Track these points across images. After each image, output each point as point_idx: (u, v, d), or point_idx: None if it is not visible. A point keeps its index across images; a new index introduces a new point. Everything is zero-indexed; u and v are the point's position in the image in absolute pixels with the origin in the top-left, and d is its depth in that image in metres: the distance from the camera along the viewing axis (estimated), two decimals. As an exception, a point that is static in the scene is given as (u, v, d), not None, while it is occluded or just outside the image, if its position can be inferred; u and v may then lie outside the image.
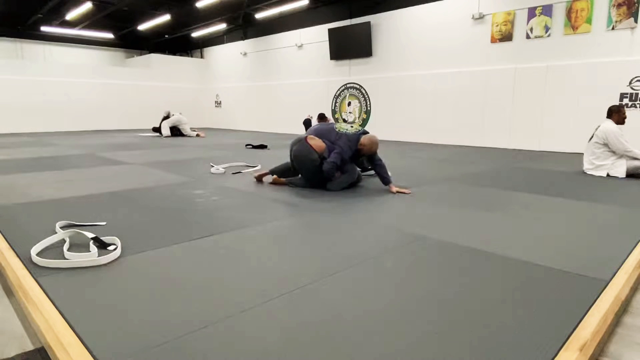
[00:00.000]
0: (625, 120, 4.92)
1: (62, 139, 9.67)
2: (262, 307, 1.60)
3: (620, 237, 2.54)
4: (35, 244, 2.21)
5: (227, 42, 14.78)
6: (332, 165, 3.78)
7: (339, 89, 11.21)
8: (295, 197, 3.64)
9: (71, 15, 11.70)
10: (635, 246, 2.35)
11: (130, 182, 4.30)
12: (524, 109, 7.88)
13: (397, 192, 3.82)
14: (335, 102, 11.37)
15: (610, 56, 6.89)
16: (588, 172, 5.00)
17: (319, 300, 1.66)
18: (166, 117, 11.19)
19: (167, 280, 1.85)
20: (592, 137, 5.01)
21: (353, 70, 10.86)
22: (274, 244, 2.38)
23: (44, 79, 12.67)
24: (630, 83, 6.67)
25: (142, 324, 1.47)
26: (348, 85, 10.96)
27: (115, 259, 2.09)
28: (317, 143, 3.84)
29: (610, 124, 4.85)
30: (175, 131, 11.06)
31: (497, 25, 8.09)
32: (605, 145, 4.81)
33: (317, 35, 11.50)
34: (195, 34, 14.65)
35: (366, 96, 10.59)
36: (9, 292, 1.87)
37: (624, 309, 1.73)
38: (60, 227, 2.60)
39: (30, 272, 1.91)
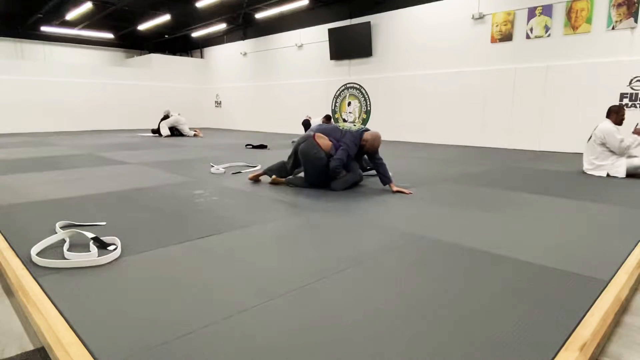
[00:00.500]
0: (624, 121, 4.92)
1: (62, 139, 9.66)
2: (262, 307, 1.60)
3: (621, 237, 2.54)
4: (35, 244, 2.21)
5: (227, 42, 14.78)
6: (340, 162, 3.81)
7: (339, 89, 11.22)
8: (295, 197, 3.64)
9: (71, 15, 11.70)
10: (635, 246, 2.35)
11: (130, 182, 4.30)
12: (524, 109, 7.88)
13: (398, 191, 3.82)
14: (335, 102, 11.37)
15: (610, 56, 6.89)
16: (588, 172, 5.00)
17: (319, 300, 1.66)
18: (165, 117, 11.21)
19: (167, 280, 1.85)
20: (590, 137, 5.02)
21: (353, 70, 10.86)
22: (274, 243, 2.38)
23: (44, 79, 12.67)
24: (630, 83, 6.67)
25: (142, 324, 1.47)
26: (348, 85, 10.96)
27: (115, 259, 2.09)
28: (324, 142, 3.87)
29: (608, 123, 4.86)
30: (175, 131, 11.09)
31: (497, 25, 8.09)
32: (603, 144, 4.82)
33: (317, 35, 11.50)
34: (195, 34, 14.65)
35: (366, 96, 10.60)
36: (9, 292, 1.87)
37: (624, 309, 1.73)
38: (60, 227, 2.60)
39: (30, 272, 1.91)
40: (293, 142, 9.20)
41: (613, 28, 6.82)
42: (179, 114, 11.37)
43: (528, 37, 7.73)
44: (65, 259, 2.06)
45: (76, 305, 1.60)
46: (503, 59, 8.10)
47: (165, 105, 13.91)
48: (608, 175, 4.83)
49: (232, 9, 11.97)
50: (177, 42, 16.16)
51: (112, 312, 1.55)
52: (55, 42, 14.52)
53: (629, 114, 6.52)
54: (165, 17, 12.27)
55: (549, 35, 7.49)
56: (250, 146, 8.16)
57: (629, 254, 2.21)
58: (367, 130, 4.00)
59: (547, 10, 7.45)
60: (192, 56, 16.58)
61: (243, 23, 13.13)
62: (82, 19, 12.42)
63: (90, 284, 1.81)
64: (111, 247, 2.22)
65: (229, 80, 14.97)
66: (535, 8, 7.59)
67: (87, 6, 10.91)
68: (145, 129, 13.66)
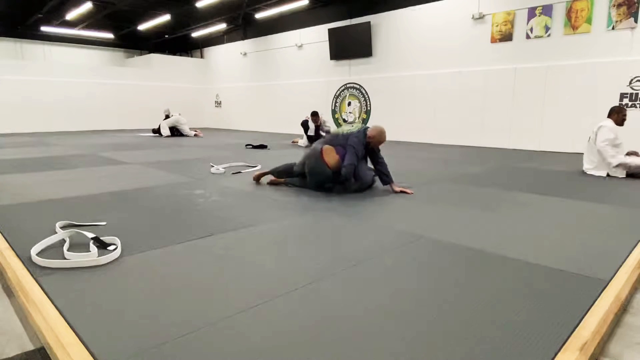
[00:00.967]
0: (625, 121, 4.92)
1: (62, 139, 9.67)
2: (261, 307, 1.60)
3: (620, 237, 2.54)
4: (35, 244, 2.21)
5: (227, 42, 14.78)
6: (351, 167, 3.70)
7: (339, 89, 11.21)
8: (295, 197, 3.64)
9: (71, 15, 11.70)
10: (635, 246, 2.35)
11: (130, 182, 4.30)
12: (524, 109, 7.88)
13: (399, 191, 3.82)
14: (335, 102, 11.37)
15: (610, 56, 6.88)
16: (588, 172, 5.00)
17: (319, 300, 1.66)
18: (166, 117, 11.22)
19: (167, 280, 1.85)
20: (590, 137, 5.02)
21: (353, 70, 10.86)
22: (273, 243, 2.38)
23: (44, 79, 12.67)
24: (630, 83, 6.67)
25: (142, 324, 1.47)
26: (348, 85, 10.96)
27: (115, 259, 2.09)
28: (331, 159, 3.74)
29: (608, 122, 4.86)
30: (175, 131, 11.10)
31: (497, 25, 8.09)
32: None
33: (317, 35, 11.49)
34: (195, 34, 14.65)
35: (366, 96, 10.60)
36: (9, 292, 1.87)
37: (624, 308, 1.73)
38: (60, 227, 2.60)
39: (30, 272, 1.91)
40: (292, 142, 9.20)
41: (613, 28, 6.81)
42: (179, 114, 11.38)
43: (528, 37, 7.73)
44: (65, 259, 2.06)
45: (76, 305, 1.60)
46: (503, 59, 8.10)
47: (165, 105, 13.89)
48: (608, 175, 4.83)
49: (232, 9, 11.97)
50: (177, 42, 16.15)
51: (112, 312, 1.55)
52: (55, 42, 14.51)
53: (629, 114, 6.50)
54: (165, 17, 12.27)
55: (549, 36, 7.49)
56: (250, 146, 8.16)
57: (629, 254, 2.21)
58: (368, 127, 3.98)
59: (547, 10, 7.45)
60: (192, 56, 16.58)
61: (243, 23, 13.13)
62: (82, 19, 12.42)
63: (90, 284, 1.81)
64: (111, 247, 2.22)
65: (229, 80, 14.97)
66: (535, 8, 7.58)
67: (87, 6, 10.91)
68: (145, 129, 13.66)
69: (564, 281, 1.86)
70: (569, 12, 7.23)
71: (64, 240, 2.31)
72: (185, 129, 11.16)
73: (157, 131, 11.27)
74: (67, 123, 13.09)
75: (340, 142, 3.86)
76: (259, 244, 2.36)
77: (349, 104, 11.03)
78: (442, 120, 9.12)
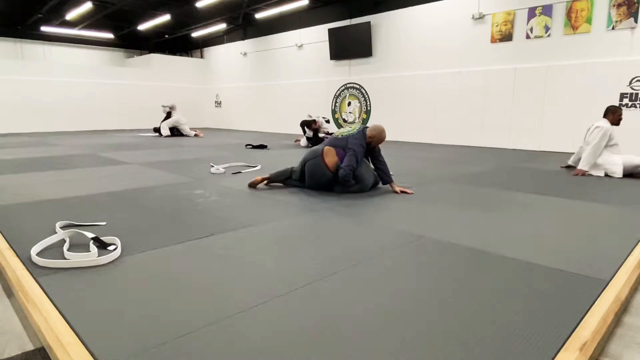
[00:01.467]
0: (621, 122, 4.91)
1: (62, 139, 9.66)
2: (261, 307, 1.60)
3: (620, 237, 2.54)
4: (35, 244, 2.21)
5: (227, 42, 14.78)
6: (350, 169, 3.67)
7: (339, 89, 11.21)
8: (295, 197, 3.64)
9: (71, 15, 11.69)
10: (635, 246, 2.35)
11: (130, 182, 4.30)
12: (524, 109, 7.88)
13: (401, 191, 3.81)
14: (335, 102, 11.37)
15: (610, 56, 6.88)
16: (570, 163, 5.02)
17: (319, 300, 1.66)
18: (168, 114, 11.21)
19: (167, 280, 1.85)
20: (586, 136, 5.03)
21: (353, 70, 10.86)
22: (273, 243, 2.38)
23: (44, 79, 12.66)
24: (630, 83, 6.67)
25: (142, 324, 1.47)
26: (348, 85, 10.96)
27: (115, 259, 2.09)
28: (331, 160, 3.73)
29: (603, 122, 4.86)
30: (175, 131, 11.11)
31: (497, 25, 8.09)
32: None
33: (317, 35, 11.49)
34: (195, 34, 14.65)
35: (366, 96, 10.60)
36: (9, 292, 1.87)
37: (624, 309, 1.73)
38: (60, 227, 2.60)
39: (30, 272, 1.91)
40: (295, 141, 9.20)
41: (613, 28, 6.81)
42: (180, 114, 11.37)
43: (528, 37, 7.73)
44: (65, 259, 2.06)
45: (76, 305, 1.60)
46: (503, 59, 8.10)
47: (168, 102, 13.82)
48: (606, 174, 4.83)
49: (232, 9, 11.97)
50: (177, 42, 16.15)
51: (112, 312, 1.55)
52: (55, 42, 14.51)
53: (629, 114, 6.53)
54: (165, 17, 12.26)
55: (549, 36, 7.49)
56: (250, 146, 8.16)
57: (629, 254, 2.21)
58: (367, 127, 3.97)
59: (547, 10, 7.45)
60: (192, 56, 16.57)
61: (243, 23, 13.12)
62: (82, 19, 12.41)
63: (90, 284, 1.81)
64: (111, 247, 2.22)
65: (229, 80, 14.97)
66: (535, 8, 7.58)
67: (87, 6, 10.91)
68: (146, 128, 13.65)
69: (563, 281, 1.86)
70: (569, 12, 7.23)
71: (64, 240, 2.31)
72: (185, 128, 11.16)
73: (158, 130, 11.28)
74: (67, 123, 13.09)
75: (340, 144, 3.85)
76: (259, 244, 2.36)
77: (349, 104, 11.03)
78: (442, 120, 9.12)
